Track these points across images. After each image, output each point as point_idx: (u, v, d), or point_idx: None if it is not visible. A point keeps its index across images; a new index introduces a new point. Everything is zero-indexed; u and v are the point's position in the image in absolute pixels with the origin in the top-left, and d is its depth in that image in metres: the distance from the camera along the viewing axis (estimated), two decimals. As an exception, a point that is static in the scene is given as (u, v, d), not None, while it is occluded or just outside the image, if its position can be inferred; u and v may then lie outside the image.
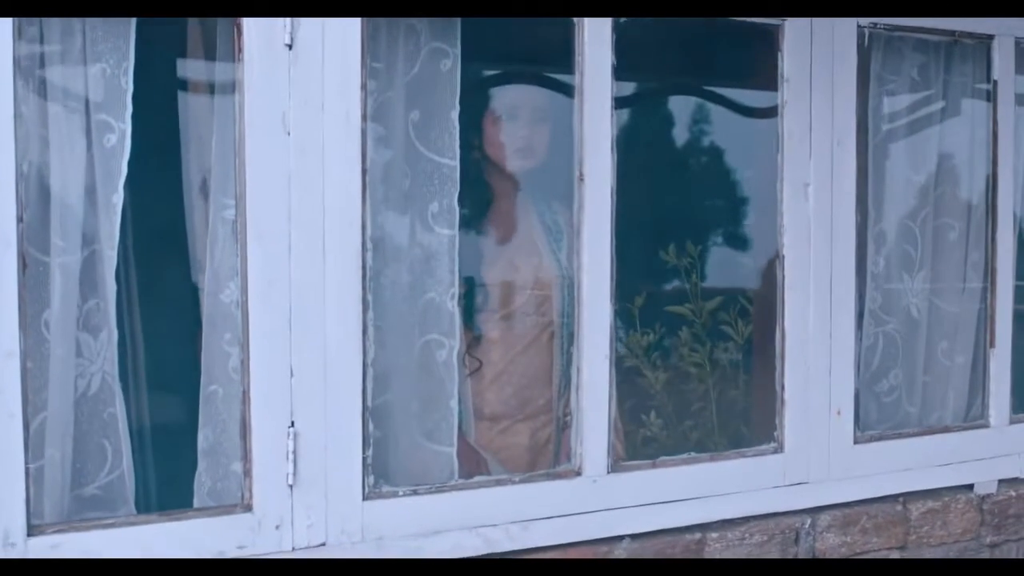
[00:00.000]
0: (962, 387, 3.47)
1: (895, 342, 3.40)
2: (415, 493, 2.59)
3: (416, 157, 2.74)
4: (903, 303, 3.40)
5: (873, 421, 3.33)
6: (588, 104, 2.73)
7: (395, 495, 2.56)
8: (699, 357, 3.69)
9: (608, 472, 2.78)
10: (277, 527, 2.44)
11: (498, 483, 2.70)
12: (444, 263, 2.77)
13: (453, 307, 2.78)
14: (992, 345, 3.37)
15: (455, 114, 2.74)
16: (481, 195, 3.11)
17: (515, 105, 3.07)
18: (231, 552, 2.39)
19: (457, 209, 2.76)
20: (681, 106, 4.34)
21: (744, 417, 3.59)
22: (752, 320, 3.60)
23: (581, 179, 2.74)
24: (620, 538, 2.80)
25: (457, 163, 2.74)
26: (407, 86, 2.72)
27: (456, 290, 2.78)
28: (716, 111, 4.24)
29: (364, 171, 2.49)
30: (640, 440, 3.61)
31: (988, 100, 3.35)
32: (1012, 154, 3.36)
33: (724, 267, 3.83)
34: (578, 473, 2.76)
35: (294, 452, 2.44)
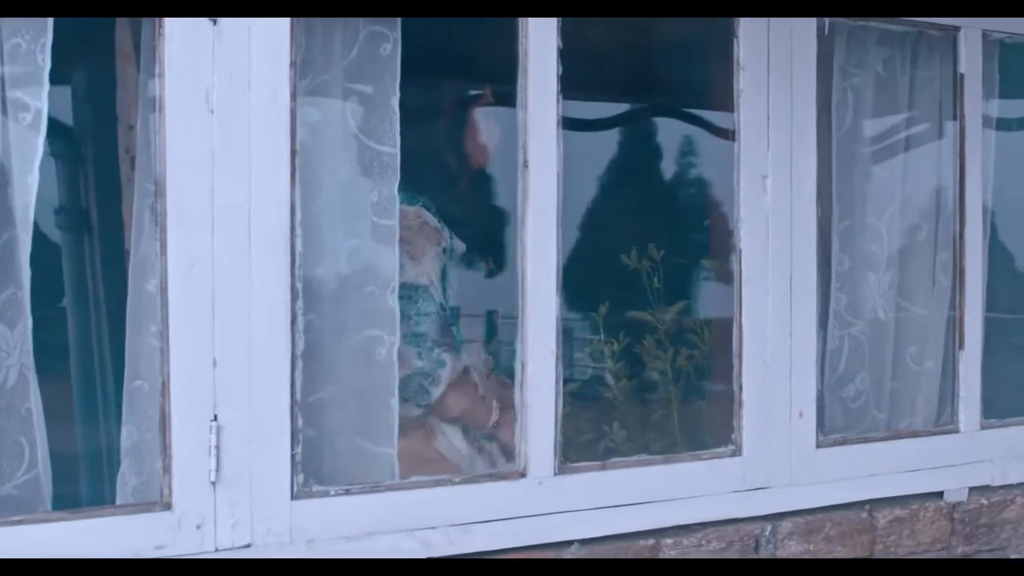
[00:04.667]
0: (932, 393, 3.37)
1: (861, 345, 3.30)
2: (348, 493, 2.46)
3: (355, 144, 2.63)
4: (869, 304, 3.30)
5: (839, 428, 3.22)
6: (532, 87, 2.63)
7: (326, 495, 2.44)
8: (661, 364, 3.56)
9: (555, 473, 2.66)
10: (198, 526, 2.31)
11: (437, 483, 2.57)
12: (384, 256, 2.66)
13: (393, 302, 2.66)
14: (961, 347, 3.26)
15: (395, 100, 2.63)
16: (425, 186, 3.00)
17: (461, 93, 2.98)
18: (148, 553, 2.26)
19: (397, 199, 2.65)
20: (634, 97, 4.23)
21: (708, 425, 3.46)
22: (714, 324, 3.49)
23: (525, 165, 2.63)
24: (568, 543, 2.68)
25: (398, 151, 2.63)
26: (345, 70, 2.61)
27: (396, 284, 2.67)
28: (671, 103, 4.15)
29: (293, 152, 2.38)
30: (602, 451, 3.48)
31: (955, 94, 3.26)
32: (979, 150, 3.27)
33: (688, 270, 3.71)
34: (522, 474, 2.64)
35: (217, 447, 2.31)
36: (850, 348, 3.28)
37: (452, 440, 3.00)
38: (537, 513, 2.64)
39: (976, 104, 3.26)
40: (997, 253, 3.54)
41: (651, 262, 3.58)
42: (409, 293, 2.87)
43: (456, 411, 2.99)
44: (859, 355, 3.30)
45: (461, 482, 2.59)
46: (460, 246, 3.10)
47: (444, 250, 3.02)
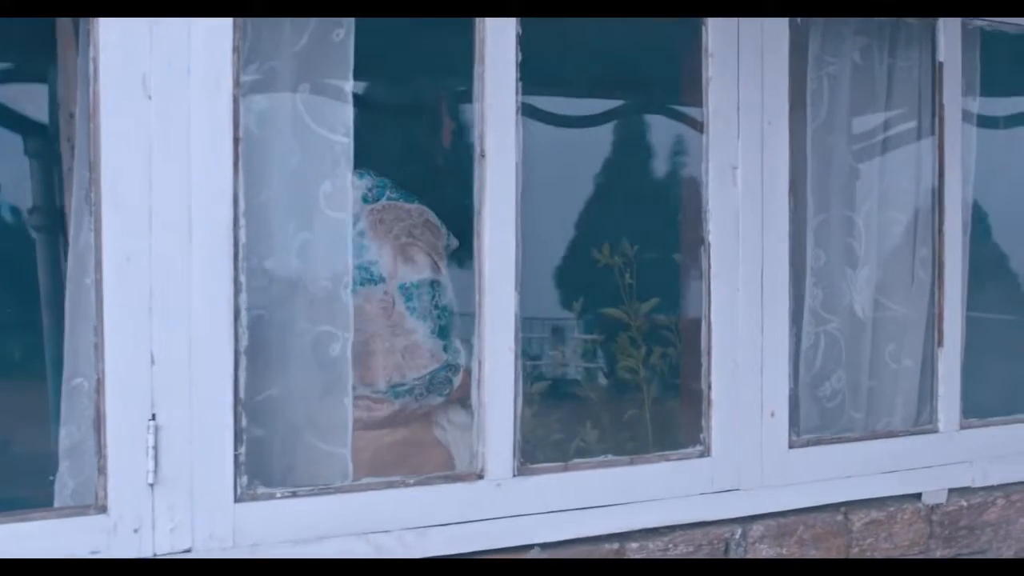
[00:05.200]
0: (910, 391, 3.26)
1: (838, 342, 3.19)
2: (295, 495, 2.36)
3: (306, 133, 2.53)
4: (846, 301, 3.20)
5: (815, 428, 3.12)
6: (490, 75, 2.53)
7: (272, 497, 2.34)
8: (634, 362, 3.46)
9: (514, 475, 2.56)
10: (136, 530, 2.21)
11: (390, 485, 2.47)
12: (337, 249, 2.56)
13: (347, 297, 2.56)
14: (940, 344, 3.16)
15: (349, 88, 2.53)
16: (415, 182, 2.93)
17: (417, 79, 2.89)
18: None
19: (351, 190, 2.55)
20: (601, 86, 4.11)
21: (679, 425, 3.36)
22: (687, 321, 3.39)
23: (482, 156, 2.53)
24: (529, 547, 2.57)
25: (351, 140, 2.53)
26: (295, 56, 2.51)
27: (350, 279, 2.57)
28: (641, 92, 4.04)
29: (236, 140, 2.28)
30: (573, 451, 3.39)
31: (934, 84, 3.16)
32: (959, 141, 3.16)
33: (661, 265, 3.61)
34: (480, 476, 2.54)
35: (155, 448, 2.21)
36: (826, 345, 3.18)
37: (453, 418, 2.95)
38: (495, 516, 2.54)
39: (955, 94, 3.15)
40: (980, 250, 3.44)
41: (623, 258, 3.48)
42: (427, 290, 2.86)
43: (462, 390, 2.94)
44: (835, 353, 3.19)
45: (415, 484, 2.48)
46: (454, 242, 3.03)
47: (446, 247, 2.95)
